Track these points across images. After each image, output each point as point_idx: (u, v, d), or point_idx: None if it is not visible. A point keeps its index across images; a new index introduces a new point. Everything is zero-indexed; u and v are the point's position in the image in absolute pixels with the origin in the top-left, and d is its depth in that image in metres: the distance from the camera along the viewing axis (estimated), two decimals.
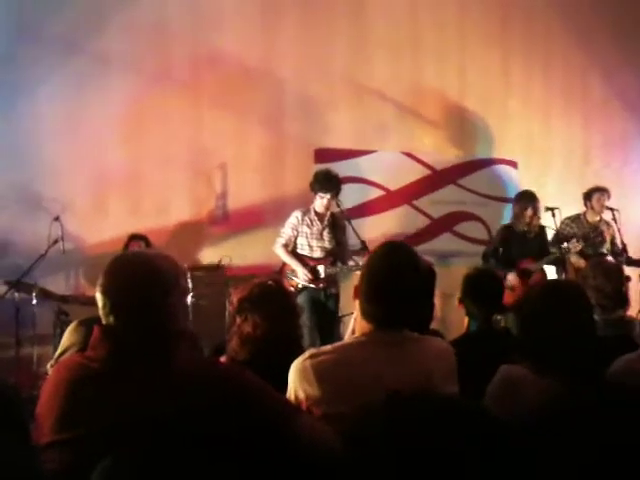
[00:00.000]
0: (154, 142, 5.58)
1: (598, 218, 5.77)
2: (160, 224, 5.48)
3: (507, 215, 6.28)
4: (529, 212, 5.42)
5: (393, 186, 6.17)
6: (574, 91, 6.67)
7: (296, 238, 5.01)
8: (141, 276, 1.45)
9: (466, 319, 3.02)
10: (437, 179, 6.29)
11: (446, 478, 1.48)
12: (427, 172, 6.27)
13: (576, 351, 1.93)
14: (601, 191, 5.71)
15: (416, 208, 6.24)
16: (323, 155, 5.95)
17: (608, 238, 5.71)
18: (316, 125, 5.94)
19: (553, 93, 6.61)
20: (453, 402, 1.67)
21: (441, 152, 6.33)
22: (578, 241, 5.28)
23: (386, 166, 6.12)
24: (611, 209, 5.67)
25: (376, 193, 6.13)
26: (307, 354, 1.74)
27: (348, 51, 6.05)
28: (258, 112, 5.80)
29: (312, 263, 5.00)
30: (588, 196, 5.78)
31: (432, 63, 6.27)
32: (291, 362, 1.78)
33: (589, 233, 5.60)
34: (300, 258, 5.00)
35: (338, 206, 5.08)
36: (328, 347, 1.78)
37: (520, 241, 5.51)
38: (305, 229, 5.00)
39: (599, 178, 5.95)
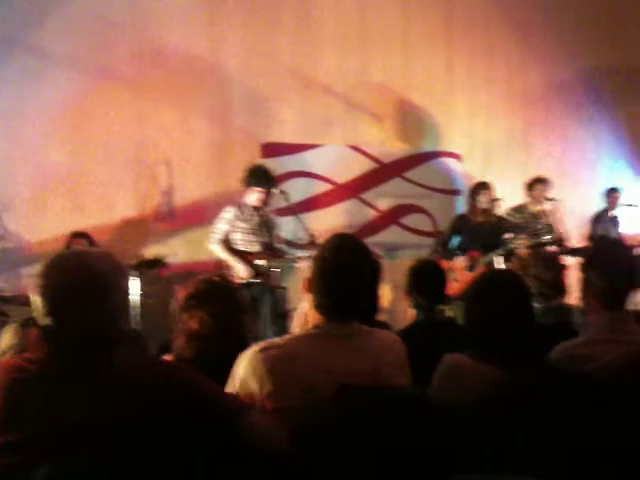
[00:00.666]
0: (97, 138, 5.48)
1: (540, 208, 5.93)
2: (104, 221, 5.38)
3: (453, 207, 6.41)
4: (482, 198, 5.54)
5: (340, 180, 6.20)
6: (515, 84, 6.82)
7: (231, 234, 4.93)
8: (79, 276, 1.42)
9: (412, 310, 3.07)
10: (383, 172, 6.35)
11: (395, 466, 1.52)
12: (374, 165, 6.32)
13: (513, 338, 1.99)
14: (542, 182, 5.87)
15: (363, 201, 6.29)
16: (270, 150, 5.94)
17: (551, 227, 5.87)
18: (263, 119, 5.93)
19: (495, 86, 6.75)
20: (399, 393, 1.71)
21: (387, 145, 6.39)
22: (525, 237, 5.38)
23: (333, 160, 6.15)
24: (552, 199, 5.83)
25: (323, 187, 6.15)
26: (258, 347, 1.71)
27: (295, 45, 6.05)
28: (204, 106, 5.74)
29: (250, 258, 4.93)
30: (530, 186, 5.92)
31: (378, 57, 6.32)
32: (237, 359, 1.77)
33: (535, 226, 5.74)
34: (238, 254, 4.92)
35: (285, 200, 5.09)
36: (279, 340, 1.77)
37: (473, 232, 5.62)
38: (241, 224, 4.93)
39: (540, 170, 6.10)
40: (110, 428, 1.29)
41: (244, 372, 1.69)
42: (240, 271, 4.82)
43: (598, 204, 6.50)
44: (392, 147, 6.41)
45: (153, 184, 5.64)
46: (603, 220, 6.41)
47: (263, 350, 1.69)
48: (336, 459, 1.51)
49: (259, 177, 4.90)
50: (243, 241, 4.94)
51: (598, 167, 6.99)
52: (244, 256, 4.91)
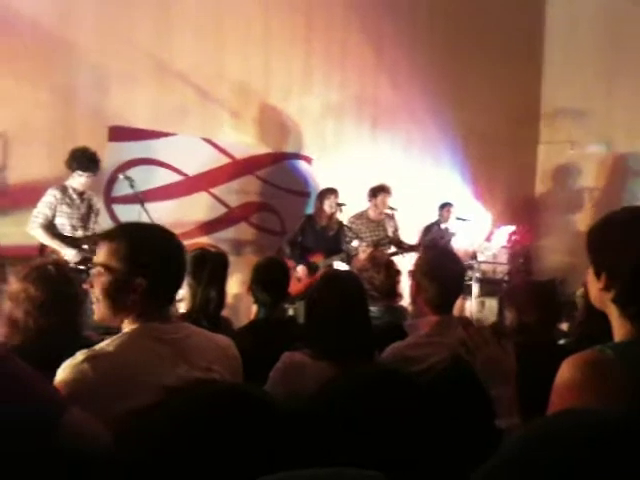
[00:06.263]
0: None
1: (380, 215, 6.23)
2: None
3: (302, 209, 6.54)
4: (328, 202, 5.74)
5: (191, 172, 6.08)
6: (366, 96, 7.11)
7: (54, 218, 4.70)
8: None
9: (255, 307, 3.10)
10: (236, 168, 6.33)
11: (227, 463, 1.52)
12: (227, 160, 6.28)
13: (348, 337, 2.08)
14: (385, 191, 6.16)
15: (214, 196, 6.23)
16: (118, 133, 5.67)
17: (390, 233, 6.20)
18: (112, 101, 5.64)
19: (348, 95, 6.98)
20: (235, 389, 1.71)
21: (241, 142, 6.37)
22: (368, 245, 5.65)
23: (185, 151, 6.00)
24: (391, 208, 6.18)
25: (172, 177, 5.99)
26: (83, 356, 1.53)
27: (151, 28, 5.82)
28: (49, 80, 5.34)
29: (76, 243, 4.72)
30: (374, 194, 6.19)
31: (237, 54, 6.27)
32: (69, 351, 1.65)
33: (380, 237, 6.04)
34: (64, 238, 4.70)
35: (131, 187, 4.94)
36: (105, 346, 1.59)
37: (318, 235, 5.81)
38: (65, 208, 4.72)
39: (383, 178, 6.38)
40: None
41: (71, 384, 1.51)
42: (67, 255, 4.59)
43: (432, 216, 6.95)
44: (246, 144, 6.40)
45: None
46: (434, 231, 6.86)
47: (90, 360, 1.52)
48: (165, 458, 1.49)
49: (82, 160, 4.70)
50: (66, 226, 4.74)
51: (435, 182, 7.46)
52: (69, 240, 4.71)
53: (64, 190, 4.74)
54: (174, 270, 1.71)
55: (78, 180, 4.74)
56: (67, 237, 4.72)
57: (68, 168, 4.73)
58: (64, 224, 4.73)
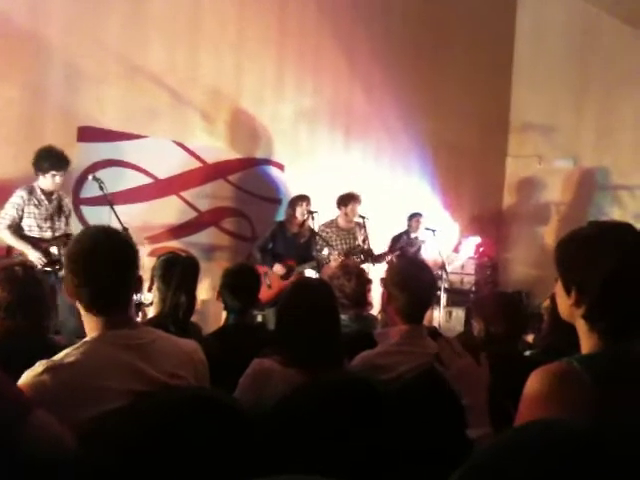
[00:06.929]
0: None
1: (350, 223, 6.26)
2: None
3: (273, 215, 6.52)
4: (300, 209, 5.74)
5: (161, 175, 6.02)
6: (339, 103, 7.13)
7: (21, 219, 4.65)
8: None
9: (224, 313, 3.08)
10: (207, 172, 6.29)
11: (196, 469, 1.51)
12: (197, 164, 6.24)
13: (318, 344, 2.08)
14: (355, 200, 6.19)
15: (184, 199, 6.17)
16: (88, 134, 5.59)
17: (360, 241, 6.22)
18: (83, 101, 5.56)
19: (321, 103, 7.00)
20: (202, 394, 1.70)
21: (213, 146, 6.33)
22: (339, 253, 5.67)
23: (155, 153, 5.93)
24: (361, 216, 6.20)
25: (143, 180, 5.93)
26: (42, 367, 1.49)
27: (124, 29, 5.76)
28: (19, 79, 5.25)
29: (44, 245, 4.65)
30: (344, 202, 6.21)
31: (210, 57, 6.24)
32: (35, 353, 1.63)
33: (350, 245, 6.06)
34: (29, 240, 4.64)
35: (100, 188, 4.87)
36: (65, 356, 1.55)
37: (289, 242, 5.81)
38: (32, 209, 4.67)
39: (354, 186, 6.41)
40: None
41: (32, 395, 1.46)
42: (33, 258, 4.53)
43: (402, 225, 7.00)
44: (217, 149, 6.36)
45: None
46: (402, 241, 6.91)
47: (49, 371, 1.48)
48: (130, 464, 1.47)
49: (51, 160, 4.64)
50: (34, 227, 4.68)
51: (405, 191, 7.52)
52: (36, 243, 4.64)
53: (31, 191, 4.69)
54: (104, 273, 1.63)
55: (48, 180, 4.68)
56: (34, 239, 4.65)
57: (36, 169, 4.67)
58: (31, 225, 4.68)
